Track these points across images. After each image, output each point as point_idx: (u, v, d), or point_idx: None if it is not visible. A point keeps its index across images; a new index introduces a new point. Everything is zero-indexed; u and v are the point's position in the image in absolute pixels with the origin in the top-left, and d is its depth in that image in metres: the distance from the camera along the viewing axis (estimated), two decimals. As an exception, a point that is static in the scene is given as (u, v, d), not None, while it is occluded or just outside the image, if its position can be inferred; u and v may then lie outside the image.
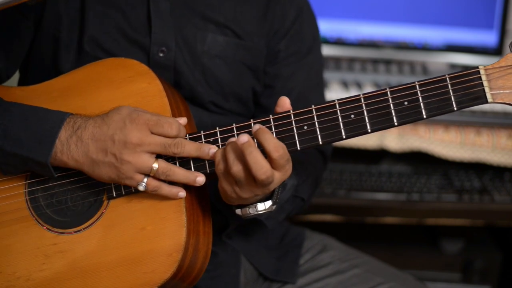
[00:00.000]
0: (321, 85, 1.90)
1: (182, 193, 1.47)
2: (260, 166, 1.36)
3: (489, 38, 2.75)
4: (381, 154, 2.68)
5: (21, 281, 1.51)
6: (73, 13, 1.67)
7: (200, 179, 1.47)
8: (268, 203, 1.48)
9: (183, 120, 1.49)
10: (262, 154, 1.37)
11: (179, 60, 1.68)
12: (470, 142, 2.56)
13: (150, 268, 1.45)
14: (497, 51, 2.76)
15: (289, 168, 1.41)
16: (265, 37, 1.77)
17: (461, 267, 2.73)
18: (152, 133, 1.44)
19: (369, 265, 1.88)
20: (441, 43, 2.78)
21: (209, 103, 1.73)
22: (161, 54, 1.67)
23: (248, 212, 1.49)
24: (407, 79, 2.70)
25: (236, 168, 1.38)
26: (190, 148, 1.45)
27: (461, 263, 2.73)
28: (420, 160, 2.65)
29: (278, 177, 1.40)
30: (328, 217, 2.53)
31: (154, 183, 1.46)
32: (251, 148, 1.36)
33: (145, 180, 1.45)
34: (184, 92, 1.68)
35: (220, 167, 1.41)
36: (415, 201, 2.49)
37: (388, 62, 2.81)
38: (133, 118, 1.44)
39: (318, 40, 1.88)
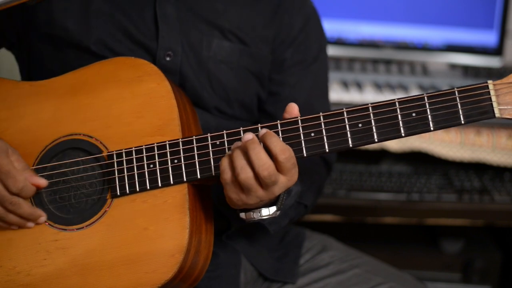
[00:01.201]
0: (326, 94, 1.91)
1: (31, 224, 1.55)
2: (262, 162, 1.36)
3: (489, 38, 2.76)
4: (381, 154, 2.68)
5: (21, 276, 1.51)
6: (80, 15, 1.67)
7: (42, 218, 1.54)
8: (273, 209, 1.49)
9: (41, 182, 1.52)
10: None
11: (185, 65, 1.69)
12: (470, 142, 2.56)
13: (151, 268, 1.45)
14: (497, 51, 2.76)
15: (295, 173, 1.41)
16: (270, 44, 1.78)
17: (461, 267, 2.73)
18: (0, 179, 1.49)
19: (369, 265, 1.88)
20: (441, 43, 2.78)
21: (213, 108, 1.73)
22: (167, 59, 1.67)
23: (252, 217, 1.49)
24: (407, 79, 2.70)
25: (244, 175, 1.38)
26: (23, 211, 1.51)
27: (461, 263, 2.73)
28: (420, 160, 2.65)
29: (284, 181, 1.40)
30: (328, 217, 2.53)
31: None
32: (254, 145, 1.37)
33: None
34: (188, 96, 1.68)
35: (225, 176, 1.41)
36: (415, 201, 2.50)
37: (388, 62, 2.81)
38: None
39: (324, 49, 1.89)
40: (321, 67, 1.87)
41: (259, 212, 1.48)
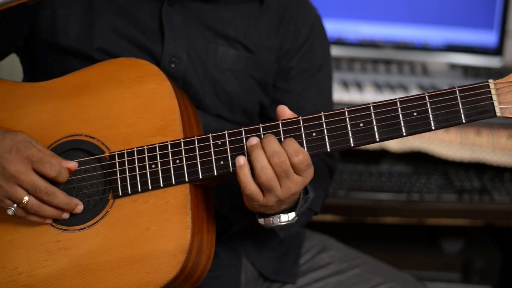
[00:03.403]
0: (331, 101, 1.92)
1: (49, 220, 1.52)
2: (273, 148, 1.39)
3: (489, 38, 2.76)
4: (381, 154, 2.68)
5: (23, 276, 1.50)
6: (83, 22, 1.68)
7: (80, 207, 1.52)
8: (292, 215, 1.51)
9: (72, 164, 1.51)
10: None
11: (189, 72, 1.69)
12: (470, 142, 2.56)
13: (153, 268, 1.45)
14: (497, 51, 2.77)
15: (309, 172, 1.43)
16: (276, 52, 1.78)
17: (461, 267, 2.74)
18: (34, 168, 1.47)
19: (369, 265, 1.89)
20: (441, 43, 2.78)
21: (215, 115, 1.74)
22: (172, 65, 1.67)
23: (271, 222, 1.51)
24: (407, 79, 2.70)
25: (265, 177, 1.40)
26: (59, 200, 1.49)
27: (461, 263, 2.74)
28: (420, 160, 2.65)
29: (299, 180, 1.41)
30: (328, 217, 2.53)
31: (21, 213, 1.50)
32: (269, 136, 1.41)
33: (14, 206, 1.48)
34: None
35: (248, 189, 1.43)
36: (415, 201, 2.50)
37: (388, 62, 2.81)
38: (20, 148, 1.46)
39: (328, 55, 1.90)
40: (326, 75, 1.88)
41: (279, 218, 1.50)
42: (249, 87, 1.76)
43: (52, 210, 1.50)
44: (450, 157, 2.57)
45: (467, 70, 2.80)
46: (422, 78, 2.72)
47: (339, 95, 2.55)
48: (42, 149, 1.49)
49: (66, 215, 1.51)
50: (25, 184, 1.46)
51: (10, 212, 1.48)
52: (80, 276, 1.49)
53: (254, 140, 1.42)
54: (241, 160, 1.42)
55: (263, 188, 1.41)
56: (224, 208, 1.71)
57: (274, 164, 1.39)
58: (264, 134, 1.44)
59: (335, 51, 2.74)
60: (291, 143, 1.40)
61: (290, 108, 1.48)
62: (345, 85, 2.63)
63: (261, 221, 1.52)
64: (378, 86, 2.63)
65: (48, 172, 1.47)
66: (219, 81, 1.72)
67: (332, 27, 2.76)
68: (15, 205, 1.48)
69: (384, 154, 2.67)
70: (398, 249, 2.76)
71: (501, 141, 2.55)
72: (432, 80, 2.70)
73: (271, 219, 1.50)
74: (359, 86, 2.63)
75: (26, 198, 1.47)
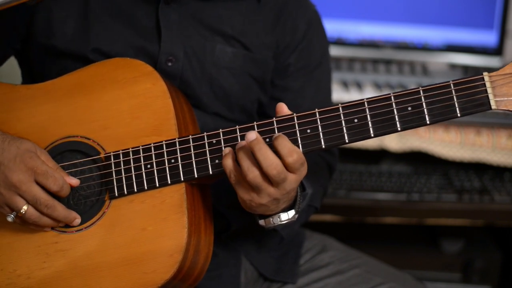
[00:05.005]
0: (329, 98, 1.92)
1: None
2: (270, 161, 1.37)
3: (489, 38, 2.76)
4: (381, 154, 2.68)
5: (22, 279, 1.51)
6: (79, 23, 1.68)
7: (77, 220, 1.52)
8: (291, 213, 1.50)
9: (74, 181, 1.52)
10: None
11: (186, 71, 1.69)
12: (470, 142, 2.56)
13: (150, 268, 1.45)
14: (497, 51, 2.76)
15: (303, 170, 1.42)
16: (273, 49, 1.78)
17: (461, 267, 2.73)
18: (36, 180, 1.47)
19: (369, 265, 1.89)
20: (441, 43, 2.78)
21: (213, 113, 1.74)
22: (169, 64, 1.67)
23: (271, 223, 1.51)
24: (407, 79, 2.70)
25: (251, 175, 1.39)
26: (58, 213, 1.49)
27: (461, 263, 2.73)
28: (420, 160, 2.65)
29: (293, 178, 1.41)
30: (328, 217, 2.53)
31: (19, 221, 1.50)
32: (260, 145, 1.38)
33: (14, 214, 1.48)
34: (188, 101, 1.68)
35: (232, 178, 1.42)
36: (415, 201, 2.50)
37: (388, 62, 2.81)
38: (24, 158, 1.47)
39: (327, 53, 1.90)
40: (324, 72, 1.88)
41: (279, 217, 1.50)
42: (247, 84, 1.76)
43: (50, 221, 1.50)
44: (450, 157, 2.57)
45: (467, 70, 2.80)
46: (422, 78, 2.72)
47: (339, 95, 2.55)
48: (47, 160, 1.50)
49: (62, 224, 1.52)
50: (26, 194, 1.47)
51: (9, 219, 1.48)
52: (78, 277, 1.49)
53: (242, 143, 1.42)
54: (227, 149, 1.44)
55: (253, 187, 1.41)
56: (222, 206, 1.71)
57: (272, 176, 1.38)
58: (259, 132, 1.43)
59: (335, 51, 2.74)
60: (284, 142, 1.38)
61: (288, 106, 1.48)
62: (345, 85, 2.63)
63: (261, 222, 1.51)
64: (378, 86, 2.63)
65: (51, 186, 1.48)
66: (217, 79, 1.72)
67: (332, 27, 2.76)
68: (15, 212, 1.48)
69: (384, 154, 2.67)
70: (398, 249, 2.76)
71: (501, 141, 2.54)
72: (432, 80, 2.70)
73: (271, 219, 1.50)
74: (359, 86, 2.63)
75: (24, 208, 1.47)
